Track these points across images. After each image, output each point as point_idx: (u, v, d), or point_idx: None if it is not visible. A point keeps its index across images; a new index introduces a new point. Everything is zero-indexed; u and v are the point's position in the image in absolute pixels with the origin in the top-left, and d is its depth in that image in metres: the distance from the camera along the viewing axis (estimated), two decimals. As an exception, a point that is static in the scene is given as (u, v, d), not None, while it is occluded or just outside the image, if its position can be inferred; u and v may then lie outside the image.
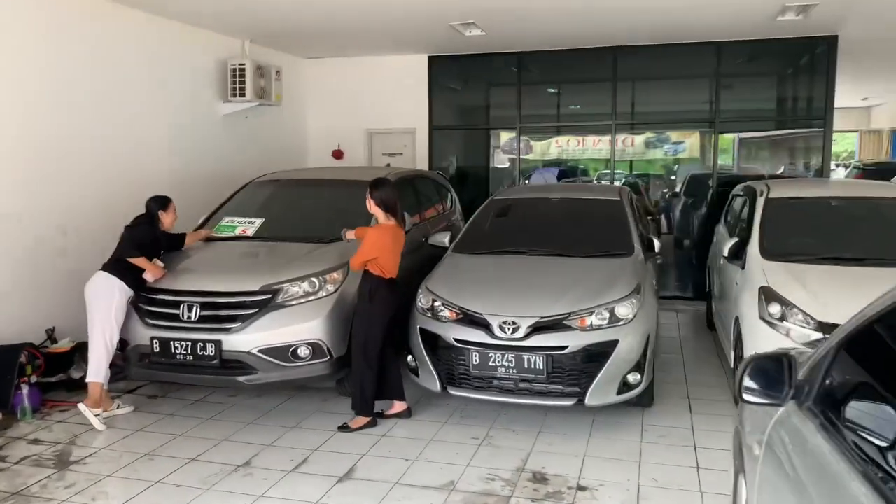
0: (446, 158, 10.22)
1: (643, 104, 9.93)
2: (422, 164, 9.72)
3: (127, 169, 6.82)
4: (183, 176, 7.48)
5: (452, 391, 4.96)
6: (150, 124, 7.21)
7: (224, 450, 4.65)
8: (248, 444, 4.73)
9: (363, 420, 4.96)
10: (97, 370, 5.07)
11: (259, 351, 4.91)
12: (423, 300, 5.23)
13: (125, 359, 5.25)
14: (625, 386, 4.78)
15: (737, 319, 5.35)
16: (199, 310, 4.99)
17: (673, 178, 13.49)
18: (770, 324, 4.77)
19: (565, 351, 4.68)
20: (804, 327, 4.60)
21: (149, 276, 5.16)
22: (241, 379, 4.94)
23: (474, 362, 4.80)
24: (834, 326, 4.51)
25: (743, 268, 5.48)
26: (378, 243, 4.83)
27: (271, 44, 8.92)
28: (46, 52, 5.99)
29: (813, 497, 1.92)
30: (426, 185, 7.84)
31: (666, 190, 12.90)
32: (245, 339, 4.92)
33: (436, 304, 5.12)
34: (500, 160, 11.00)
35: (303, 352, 4.98)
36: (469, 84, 10.59)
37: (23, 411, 5.15)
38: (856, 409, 1.94)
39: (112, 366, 5.15)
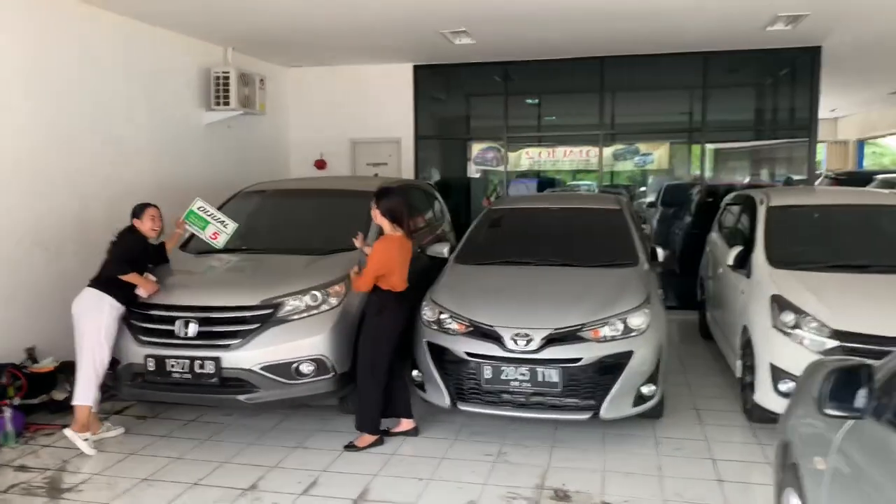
0: (428, 169, 10.10)
1: (630, 115, 9.96)
2: (407, 173, 9.57)
3: (108, 180, 6.53)
4: (165, 187, 7.19)
5: (462, 406, 4.80)
6: (132, 135, 6.93)
7: (227, 473, 4.42)
8: (251, 467, 4.50)
9: (370, 438, 4.77)
10: (85, 392, 4.78)
11: (261, 368, 4.68)
12: (428, 312, 5.07)
13: (115, 378, 4.97)
14: (640, 398, 4.68)
15: (745, 328, 5.30)
16: (196, 325, 4.76)
17: (643, 189, 13.60)
18: (783, 332, 4.72)
19: (580, 363, 4.56)
20: (819, 335, 4.55)
21: (142, 292, 4.90)
22: (242, 398, 4.70)
23: (486, 376, 4.65)
24: (849, 335, 4.53)
25: (748, 276, 5.44)
26: (383, 258, 4.65)
27: (253, 52, 8.71)
28: (24, 57, 5.70)
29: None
30: (417, 195, 7.68)
31: (642, 200, 12.99)
32: (246, 356, 4.69)
33: (442, 316, 4.97)
34: (474, 171, 10.94)
35: (306, 368, 4.77)
36: (454, 94, 10.51)
37: (6, 436, 4.84)
38: None
39: (102, 386, 4.88)
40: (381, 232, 5.65)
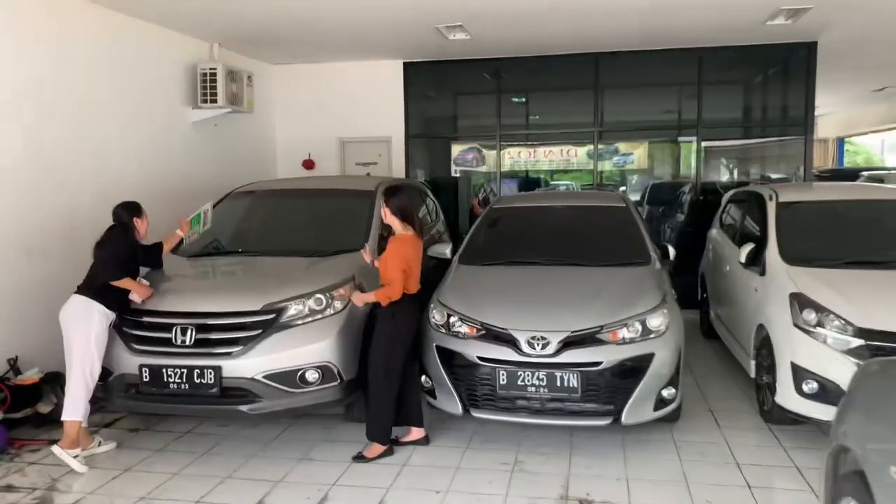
0: (414, 169, 9.87)
1: (626, 112, 9.82)
2: (398, 173, 9.34)
3: (93, 181, 6.20)
4: (151, 187, 6.87)
5: (476, 413, 4.59)
6: (116, 135, 6.60)
7: (231, 488, 4.16)
8: (255, 482, 4.25)
9: (380, 448, 4.54)
10: (75, 407, 4.48)
11: (264, 377, 4.43)
12: (436, 315, 4.86)
13: (106, 389, 4.67)
14: (661, 402, 4.51)
15: (760, 327, 5.17)
16: (194, 333, 4.49)
17: (624, 188, 13.51)
18: (805, 331, 4.59)
19: (600, 367, 4.38)
20: (843, 333, 4.43)
21: (136, 298, 4.62)
22: (244, 408, 4.44)
23: (502, 382, 4.45)
24: (876, 333, 4.41)
25: (762, 274, 5.31)
26: (402, 255, 4.42)
27: (240, 48, 8.43)
28: (3, 50, 5.38)
29: None
30: (413, 194, 7.45)
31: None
32: (248, 364, 4.43)
33: (451, 319, 4.76)
34: (457, 171, 10.75)
35: (311, 376, 4.52)
36: (446, 91, 10.29)
37: (-10, 453, 4.54)
38: None
39: (92, 399, 4.58)
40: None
